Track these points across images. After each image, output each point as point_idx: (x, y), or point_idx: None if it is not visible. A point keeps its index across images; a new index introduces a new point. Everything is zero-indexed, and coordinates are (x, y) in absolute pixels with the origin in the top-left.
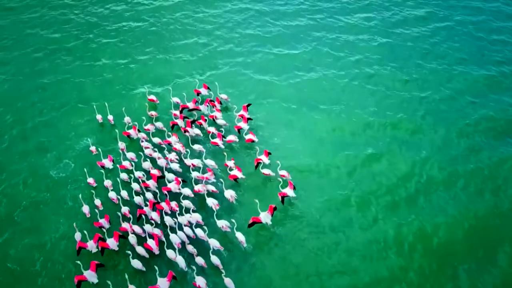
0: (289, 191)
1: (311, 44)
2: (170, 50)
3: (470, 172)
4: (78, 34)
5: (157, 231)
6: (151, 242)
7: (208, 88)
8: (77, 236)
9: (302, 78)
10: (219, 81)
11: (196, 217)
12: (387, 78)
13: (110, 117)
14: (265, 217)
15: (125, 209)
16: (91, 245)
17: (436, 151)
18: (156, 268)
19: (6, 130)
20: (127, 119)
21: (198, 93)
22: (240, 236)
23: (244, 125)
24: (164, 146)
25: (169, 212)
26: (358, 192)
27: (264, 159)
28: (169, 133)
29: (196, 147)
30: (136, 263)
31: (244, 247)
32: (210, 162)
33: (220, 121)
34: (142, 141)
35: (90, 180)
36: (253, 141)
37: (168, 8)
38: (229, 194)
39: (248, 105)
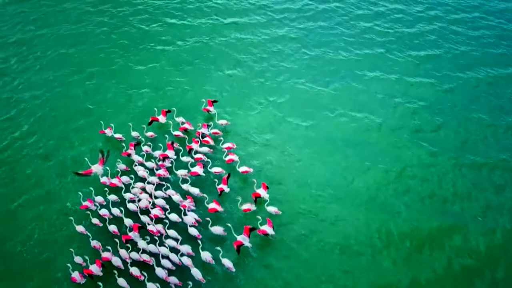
0: (268, 229)
1: (354, 82)
2: (201, 78)
3: None
4: (108, 55)
5: (146, 257)
6: (135, 270)
7: (214, 101)
8: (77, 260)
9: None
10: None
11: (186, 248)
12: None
13: (119, 135)
14: (243, 239)
15: (113, 227)
16: (78, 277)
17: None
18: None
19: (28, 155)
20: (135, 134)
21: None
22: (227, 262)
23: (234, 157)
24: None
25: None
26: None
27: (263, 193)
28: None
29: (181, 172)
30: None
31: (232, 272)
32: (194, 190)
33: (203, 149)
34: (136, 165)
35: (87, 203)
36: (247, 172)
37: (206, 31)
38: (218, 230)
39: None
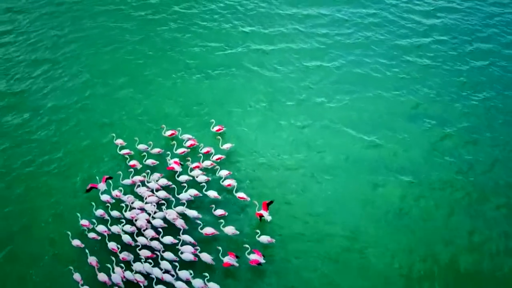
0: (259, 258)
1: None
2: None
3: None
4: (135, 72)
5: (139, 277)
6: None
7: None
8: (76, 277)
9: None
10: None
11: (185, 274)
12: None
13: (126, 151)
14: (230, 260)
15: (112, 245)
16: None
17: None
18: None
19: (49, 173)
20: (141, 146)
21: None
22: (213, 286)
23: (232, 182)
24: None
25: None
26: None
27: (265, 214)
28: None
29: (184, 196)
30: None
31: None
32: (191, 213)
33: (200, 176)
34: (138, 185)
35: (84, 221)
36: (244, 199)
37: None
38: (206, 257)
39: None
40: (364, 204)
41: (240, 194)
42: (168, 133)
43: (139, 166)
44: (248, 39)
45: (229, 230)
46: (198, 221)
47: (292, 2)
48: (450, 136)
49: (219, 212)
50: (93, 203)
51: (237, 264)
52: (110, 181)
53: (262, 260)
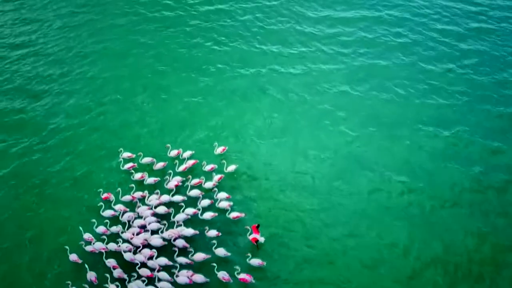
0: (247, 277)
1: None
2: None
3: None
4: (150, 84)
5: None
6: None
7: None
8: None
9: None
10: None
11: None
12: None
13: (129, 165)
14: (223, 274)
15: (112, 261)
16: None
17: None
18: None
19: (61, 189)
20: (146, 159)
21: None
22: None
23: (230, 204)
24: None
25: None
26: None
27: (257, 237)
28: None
29: (181, 217)
30: None
31: None
32: (189, 231)
33: (203, 201)
34: (139, 206)
35: (87, 236)
36: (239, 217)
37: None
38: (200, 278)
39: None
40: (396, 258)
41: (234, 214)
42: (174, 152)
43: (146, 177)
44: (266, 59)
45: (221, 251)
46: (190, 249)
47: (316, 20)
48: (485, 174)
49: (212, 233)
50: (94, 220)
51: (231, 280)
52: (112, 196)
53: (251, 280)
